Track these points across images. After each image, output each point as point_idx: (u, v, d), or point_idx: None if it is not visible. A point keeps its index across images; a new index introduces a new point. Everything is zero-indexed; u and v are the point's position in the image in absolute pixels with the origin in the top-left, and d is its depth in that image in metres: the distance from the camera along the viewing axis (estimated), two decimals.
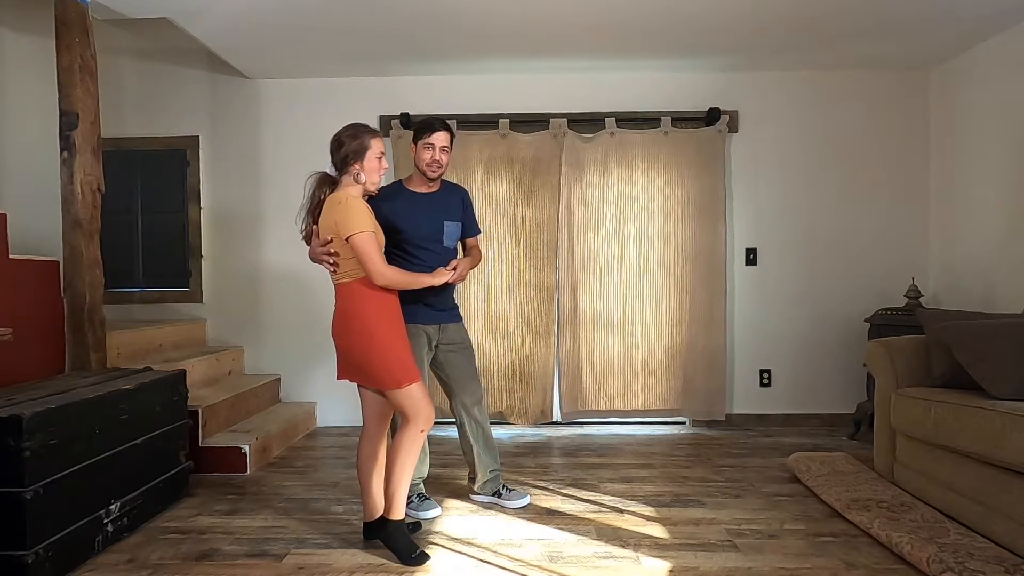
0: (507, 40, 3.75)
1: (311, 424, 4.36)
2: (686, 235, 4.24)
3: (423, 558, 2.31)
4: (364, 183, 2.31)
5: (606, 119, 4.24)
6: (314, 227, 2.33)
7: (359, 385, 2.42)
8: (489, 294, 4.22)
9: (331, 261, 2.27)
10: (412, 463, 2.35)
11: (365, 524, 2.47)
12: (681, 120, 4.27)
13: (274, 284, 4.39)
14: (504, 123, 4.23)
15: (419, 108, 4.27)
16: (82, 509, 2.30)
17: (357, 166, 2.29)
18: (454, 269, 2.53)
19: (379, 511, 2.42)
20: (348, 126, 2.34)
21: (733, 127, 4.28)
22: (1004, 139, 3.65)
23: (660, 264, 4.25)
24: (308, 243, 2.39)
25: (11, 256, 2.89)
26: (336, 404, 4.37)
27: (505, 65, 4.16)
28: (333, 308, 2.33)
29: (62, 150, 3.02)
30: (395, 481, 2.33)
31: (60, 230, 3.06)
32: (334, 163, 2.32)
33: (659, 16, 3.43)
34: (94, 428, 2.38)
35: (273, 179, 4.39)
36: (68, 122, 3.00)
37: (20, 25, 4.14)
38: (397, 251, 2.65)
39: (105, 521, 2.41)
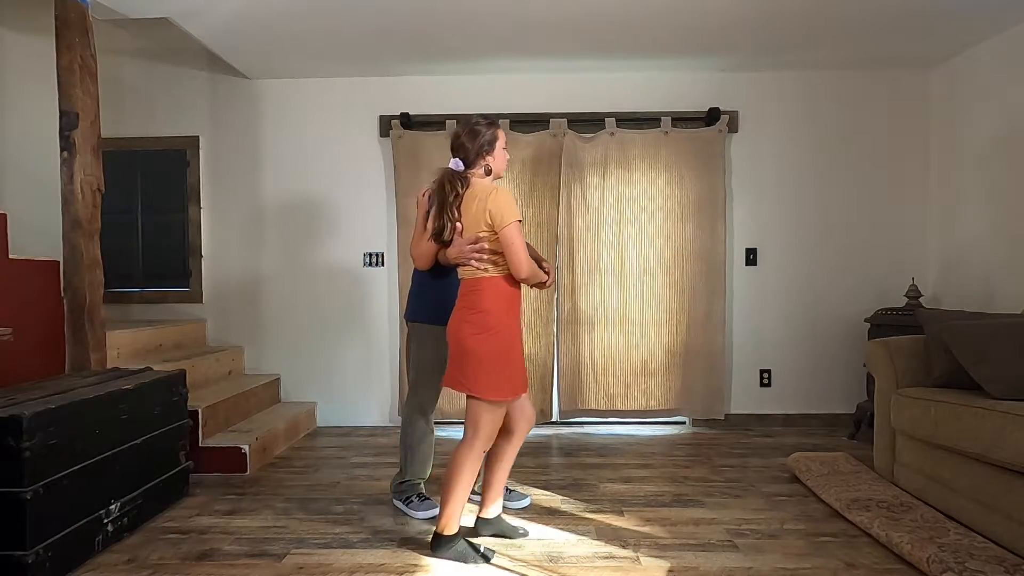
0: (507, 40, 3.75)
1: (311, 424, 4.36)
2: (686, 235, 4.24)
3: (489, 554, 2.31)
4: (494, 174, 2.33)
5: (606, 119, 4.24)
6: (459, 224, 2.26)
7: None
8: None
9: (482, 259, 2.20)
10: (472, 479, 2.28)
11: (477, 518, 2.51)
12: (681, 120, 4.27)
13: (274, 284, 4.39)
14: (504, 123, 4.23)
15: (419, 108, 4.28)
16: (82, 509, 2.30)
17: (488, 159, 2.30)
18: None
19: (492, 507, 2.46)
20: (471, 120, 2.33)
21: (733, 127, 4.28)
22: (1004, 139, 3.65)
23: (660, 264, 4.25)
24: (439, 242, 2.33)
25: (11, 256, 2.89)
26: (336, 404, 4.38)
27: (505, 65, 4.16)
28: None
29: (62, 150, 3.01)
30: (452, 496, 2.26)
31: (60, 230, 3.06)
32: (463, 157, 2.30)
33: (659, 16, 3.43)
34: (94, 428, 2.38)
35: (273, 179, 4.39)
36: (68, 122, 3.00)
37: (20, 25, 4.14)
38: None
39: (105, 521, 2.41)
